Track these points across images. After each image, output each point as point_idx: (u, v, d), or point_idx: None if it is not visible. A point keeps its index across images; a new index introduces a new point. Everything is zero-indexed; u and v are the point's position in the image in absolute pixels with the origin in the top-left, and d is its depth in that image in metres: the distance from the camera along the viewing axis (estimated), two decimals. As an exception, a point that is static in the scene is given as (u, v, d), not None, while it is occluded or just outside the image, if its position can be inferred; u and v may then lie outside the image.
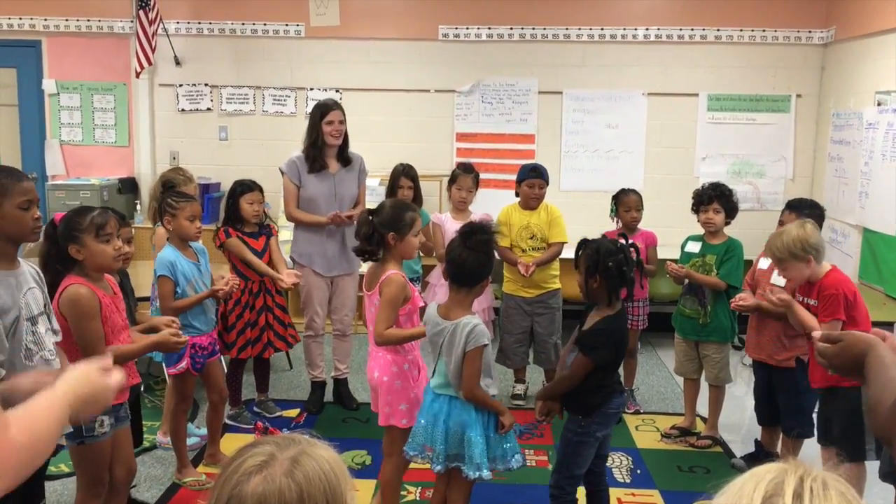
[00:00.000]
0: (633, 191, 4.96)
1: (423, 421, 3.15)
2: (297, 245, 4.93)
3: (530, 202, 4.93)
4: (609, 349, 3.11)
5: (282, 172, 4.86)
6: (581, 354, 3.13)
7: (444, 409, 3.09)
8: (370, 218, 3.40)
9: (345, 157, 4.83)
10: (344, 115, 4.77)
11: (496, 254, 3.24)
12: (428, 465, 3.20)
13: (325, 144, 4.72)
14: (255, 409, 4.87)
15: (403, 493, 3.79)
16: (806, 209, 3.95)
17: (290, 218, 4.90)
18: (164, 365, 3.94)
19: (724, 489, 1.06)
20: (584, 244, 3.23)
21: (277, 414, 4.82)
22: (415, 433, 3.17)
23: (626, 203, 4.89)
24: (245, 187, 4.58)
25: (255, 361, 4.79)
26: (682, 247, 4.64)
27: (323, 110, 4.71)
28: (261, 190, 4.64)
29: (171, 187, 4.10)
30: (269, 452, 1.18)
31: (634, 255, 3.18)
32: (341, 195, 4.82)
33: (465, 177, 5.10)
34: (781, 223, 4.02)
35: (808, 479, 1.02)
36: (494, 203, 5.97)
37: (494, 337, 5.79)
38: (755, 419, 4.33)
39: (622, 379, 3.90)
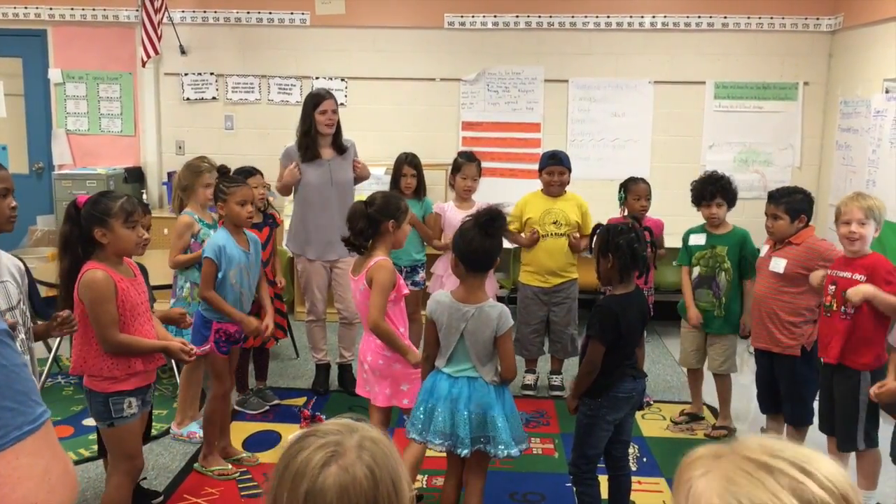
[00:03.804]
0: (643, 179, 4.95)
1: (439, 408, 3.08)
2: (291, 232, 5.01)
3: (552, 189, 4.93)
4: (607, 325, 3.10)
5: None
6: (588, 338, 3.17)
7: (465, 393, 3.07)
8: (366, 210, 3.42)
9: (339, 146, 4.89)
10: (337, 104, 4.84)
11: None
12: (437, 452, 3.22)
13: (317, 133, 4.78)
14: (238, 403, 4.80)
15: (410, 480, 3.80)
16: (784, 198, 3.94)
17: (279, 191, 5.05)
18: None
19: None
20: (597, 228, 3.31)
21: (276, 402, 4.82)
22: (434, 422, 3.09)
23: (635, 191, 4.88)
24: (246, 173, 4.39)
25: (254, 350, 4.79)
26: (685, 241, 4.60)
27: (316, 100, 4.76)
28: (261, 174, 4.60)
29: (224, 173, 4.00)
30: (336, 441, 1.17)
31: (648, 237, 3.24)
32: (337, 182, 4.88)
33: (469, 165, 5.08)
34: (767, 215, 4.01)
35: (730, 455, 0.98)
36: (500, 192, 5.98)
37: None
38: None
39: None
